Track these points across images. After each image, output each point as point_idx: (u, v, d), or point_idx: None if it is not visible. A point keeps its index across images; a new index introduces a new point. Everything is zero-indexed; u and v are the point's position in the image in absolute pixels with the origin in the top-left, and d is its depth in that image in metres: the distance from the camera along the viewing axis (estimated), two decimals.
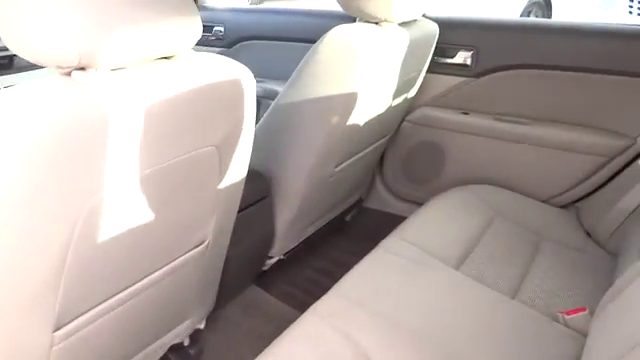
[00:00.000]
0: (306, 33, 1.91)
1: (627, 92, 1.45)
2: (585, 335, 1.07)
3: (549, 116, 1.58)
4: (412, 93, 1.59)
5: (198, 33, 0.80)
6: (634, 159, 1.48)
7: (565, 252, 1.41)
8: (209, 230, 1.02)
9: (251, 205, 1.29)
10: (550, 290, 1.25)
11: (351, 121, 1.31)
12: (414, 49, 1.40)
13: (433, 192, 1.80)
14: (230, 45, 2.15)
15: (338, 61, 1.22)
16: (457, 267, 1.28)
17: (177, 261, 0.99)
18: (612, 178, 1.53)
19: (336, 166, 1.43)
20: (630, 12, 4.54)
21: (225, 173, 0.96)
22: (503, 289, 1.23)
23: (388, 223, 1.88)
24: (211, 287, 1.21)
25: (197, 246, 1.02)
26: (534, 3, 5.25)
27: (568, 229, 1.52)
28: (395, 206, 1.89)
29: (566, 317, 1.15)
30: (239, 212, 1.13)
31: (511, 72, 1.58)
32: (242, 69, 0.88)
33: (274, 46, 2.05)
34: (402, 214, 1.86)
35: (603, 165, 1.54)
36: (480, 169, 1.71)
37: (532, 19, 1.61)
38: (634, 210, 1.37)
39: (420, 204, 1.83)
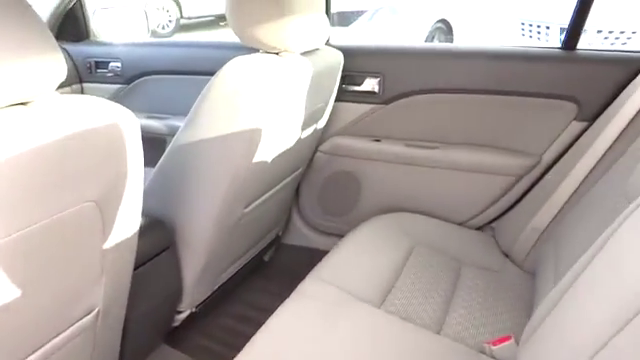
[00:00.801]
0: (209, 66, 1.82)
1: (529, 112, 1.48)
2: None
3: (459, 139, 1.58)
4: (322, 123, 1.54)
5: (61, 74, 0.69)
6: (541, 176, 1.51)
7: (485, 276, 1.39)
8: (98, 297, 0.89)
9: (152, 258, 1.16)
10: (474, 319, 1.22)
11: (258, 158, 1.22)
12: (319, 78, 1.34)
13: (352, 223, 1.75)
14: (129, 81, 2.01)
15: (237, 95, 1.14)
16: (379, 305, 1.21)
17: (63, 335, 0.85)
18: (523, 196, 1.55)
19: (245, 207, 1.33)
20: (522, 34, 4.84)
21: (110, 231, 0.83)
22: (428, 324, 1.19)
23: (309, 259, 1.80)
24: (110, 357, 1.06)
25: (85, 316, 0.89)
26: (437, 28, 5.49)
27: (486, 251, 1.52)
28: (315, 240, 1.82)
29: (492, 348, 1.11)
30: (137, 268, 1.00)
31: (419, 97, 1.57)
32: (121, 112, 0.77)
33: (176, 80, 1.94)
34: (323, 248, 1.79)
35: (513, 184, 1.55)
36: (396, 196, 1.68)
37: (436, 45, 1.62)
38: (545, 229, 1.38)
39: (341, 236, 1.78)
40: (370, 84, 1.61)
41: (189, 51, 1.97)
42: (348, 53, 1.49)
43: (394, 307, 1.22)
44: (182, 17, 7.51)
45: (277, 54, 1.21)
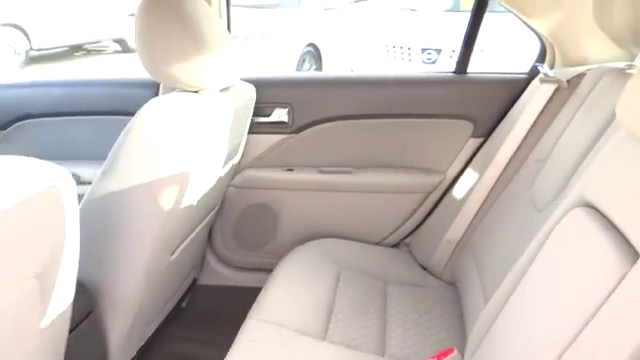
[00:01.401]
0: (97, 104, 1.70)
1: (431, 132, 1.59)
2: None
3: (369, 162, 1.64)
4: (237, 159, 1.50)
5: None
6: (447, 191, 1.61)
7: (409, 291, 1.45)
8: None
9: (73, 328, 1.03)
10: (412, 336, 1.27)
11: (184, 201, 1.16)
12: (237, 114, 1.31)
13: (271, 255, 1.72)
14: (2, 127, 1.79)
15: (158, 138, 1.07)
16: (323, 337, 1.21)
17: None
18: (433, 211, 1.64)
19: (172, 254, 1.25)
20: (387, 56, 5.18)
21: (47, 306, 0.73)
22: (372, 348, 1.21)
23: (228, 298, 1.74)
24: None
25: None
26: (307, 52, 5.66)
27: (405, 267, 1.58)
28: (233, 278, 1.75)
29: None
30: None
31: (328, 124, 1.60)
32: (57, 171, 0.69)
33: (60, 123, 1.77)
34: (242, 284, 1.74)
35: (422, 201, 1.65)
36: (313, 223, 1.69)
37: (342, 74, 1.68)
38: (460, 240, 1.48)
39: (258, 270, 1.74)
40: (279, 114, 1.61)
41: (71, 90, 1.81)
42: (258, 85, 1.48)
43: (337, 337, 1.22)
44: (32, 49, 6.88)
45: (196, 92, 1.16)
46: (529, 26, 1.43)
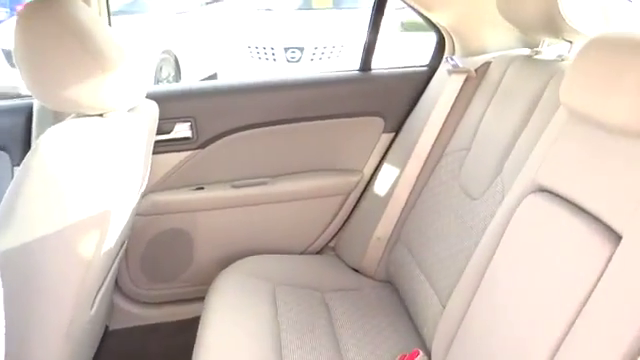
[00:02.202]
0: None
1: (344, 132, 1.56)
2: None
3: (284, 170, 1.56)
4: (144, 185, 1.33)
5: None
6: (367, 188, 1.60)
7: (349, 297, 1.42)
8: None
9: None
10: (367, 344, 1.23)
11: (105, 244, 0.99)
12: (147, 135, 1.15)
13: (188, 284, 1.58)
14: None
15: (65, 173, 0.89)
16: None
17: None
18: (354, 212, 1.62)
19: (92, 307, 1.06)
20: (251, 57, 5.10)
21: None
22: None
23: (147, 339, 1.56)
24: None
25: None
26: (163, 60, 5.37)
27: (337, 272, 1.54)
28: (148, 316, 1.57)
29: None
30: None
31: (237, 135, 1.49)
32: None
33: None
34: (161, 321, 1.57)
35: (343, 202, 1.61)
36: (233, 242, 1.58)
37: (246, 80, 1.56)
38: (391, 236, 1.47)
39: (177, 302, 1.59)
40: (181, 130, 1.46)
41: None
42: (158, 100, 1.32)
43: (294, 358, 1.14)
44: None
45: (101, 116, 0.99)
46: (427, 19, 1.46)
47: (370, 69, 1.57)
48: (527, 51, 1.23)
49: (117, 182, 0.97)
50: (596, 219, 0.78)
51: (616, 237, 0.73)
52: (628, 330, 0.67)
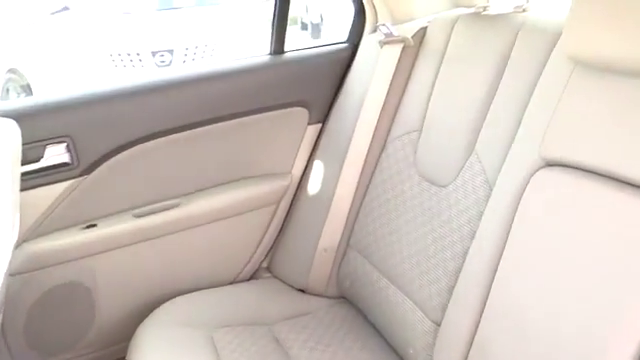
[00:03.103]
0: None
1: (264, 129, 1.30)
2: None
3: (199, 185, 1.27)
4: (13, 235, 0.97)
5: None
6: (299, 193, 1.36)
7: (302, 325, 1.19)
8: None
9: None
10: None
11: None
12: (2, 166, 0.81)
13: (92, 349, 1.24)
14: None
15: None
16: None
17: None
18: (289, 222, 1.37)
19: None
20: (115, 65, 4.59)
21: None
22: None
23: None
24: None
25: None
26: (9, 80, 4.70)
27: (281, 297, 1.30)
28: None
29: None
30: None
31: (131, 151, 1.17)
32: None
33: None
34: None
35: (274, 213, 1.36)
36: (146, 286, 1.26)
37: (136, 81, 1.22)
38: (339, 244, 1.25)
39: None
40: (55, 154, 1.11)
41: None
42: (18, 118, 0.96)
43: None
44: None
45: None
46: None
47: (283, 52, 1.32)
48: (470, 9, 1.07)
49: None
50: (621, 181, 0.62)
51: None
52: None
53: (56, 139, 1.10)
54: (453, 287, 0.89)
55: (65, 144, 1.11)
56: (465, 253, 0.88)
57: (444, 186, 1.00)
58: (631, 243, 0.62)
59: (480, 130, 0.94)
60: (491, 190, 0.86)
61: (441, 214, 0.99)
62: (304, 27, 7.63)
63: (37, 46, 4.97)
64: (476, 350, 0.80)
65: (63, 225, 1.15)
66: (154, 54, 4.58)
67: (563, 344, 0.67)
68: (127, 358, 1.06)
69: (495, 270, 0.79)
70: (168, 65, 4.63)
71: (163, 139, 1.20)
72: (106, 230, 1.18)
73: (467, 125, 0.97)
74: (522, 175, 0.78)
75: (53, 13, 5.63)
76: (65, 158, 1.12)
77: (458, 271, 0.89)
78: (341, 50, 1.34)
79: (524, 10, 0.97)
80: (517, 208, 0.77)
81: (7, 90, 4.78)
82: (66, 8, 5.98)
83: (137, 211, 1.21)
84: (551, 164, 0.75)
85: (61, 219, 1.15)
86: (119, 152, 1.17)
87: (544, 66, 0.81)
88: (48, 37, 5.14)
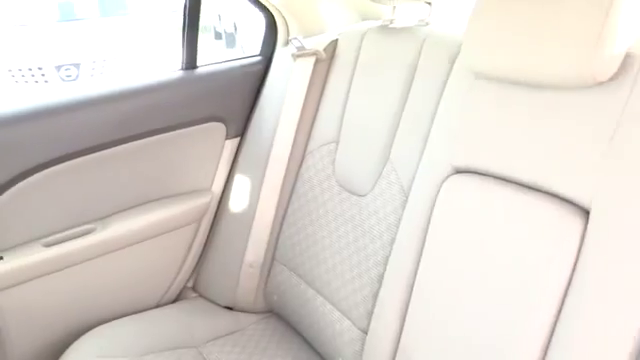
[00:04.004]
0: None
1: (179, 147, 1.27)
2: None
3: (115, 208, 1.22)
4: None
5: None
6: (221, 209, 1.34)
7: (232, 343, 1.18)
8: None
9: None
10: None
11: None
12: None
13: None
14: None
15: None
16: None
17: None
18: (212, 240, 1.35)
19: None
20: (16, 82, 4.30)
21: None
22: None
23: None
24: None
25: None
26: None
27: (208, 317, 1.27)
28: None
29: None
30: None
31: (39, 175, 1.10)
32: None
33: None
34: None
35: (195, 232, 1.33)
36: (66, 317, 1.19)
37: (44, 100, 1.15)
38: (264, 259, 1.25)
39: None
40: None
41: None
42: None
43: None
44: None
45: None
46: (255, 2, 1.25)
47: (196, 66, 1.30)
48: (378, 22, 1.11)
49: None
50: (548, 194, 0.67)
51: (582, 212, 0.63)
52: (625, 311, 0.57)
53: None
54: (377, 294, 0.92)
55: None
56: (386, 260, 0.91)
57: (363, 195, 1.03)
58: (529, 241, 0.67)
59: (393, 140, 0.98)
60: (407, 198, 0.90)
61: (362, 223, 1.02)
62: (218, 36, 7.51)
63: None
64: (401, 356, 0.83)
65: None
66: (58, 68, 4.33)
67: (482, 347, 0.71)
68: None
69: (414, 276, 0.82)
70: (75, 79, 4.40)
71: (73, 161, 1.14)
72: (14, 262, 1.10)
73: (381, 135, 1.01)
74: (434, 182, 0.82)
75: None
76: None
77: (381, 278, 0.92)
78: (254, 64, 1.34)
79: (427, 23, 1.02)
80: (431, 215, 0.81)
81: None
82: None
83: (47, 240, 1.14)
84: (459, 171, 0.79)
85: None
86: (25, 177, 1.09)
87: (448, 77, 0.86)
88: None
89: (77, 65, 4.37)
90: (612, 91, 0.62)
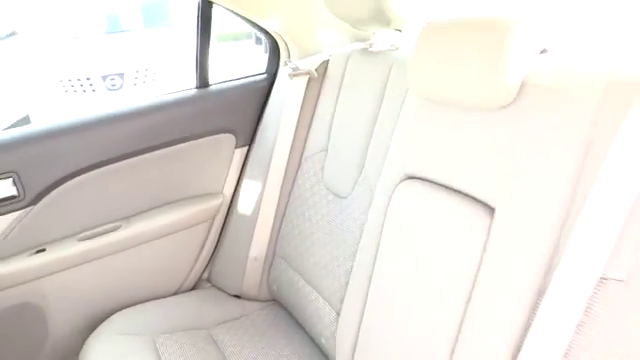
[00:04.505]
0: None
1: (196, 155, 1.46)
2: None
3: (138, 209, 1.42)
4: None
5: None
6: (231, 209, 1.52)
7: (237, 327, 1.35)
8: None
9: None
10: None
11: None
12: None
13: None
14: None
15: None
16: None
17: None
18: (223, 236, 1.53)
19: None
20: (66, 91, 4.64)
21: None
22: None
23: None
24: None
25: None
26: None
27: (219, 304, 1.45)
28: None
29: None
30: None
31: (73, 182, 1.31)
32: None
33: None
34: None
35: (209, 229, 1.52)
36: (95, 302, 1.39)
37: (77, 117, 1.36)
38: (266, 253, 1.42)
39: None
40: (3, 188, 1.24)
41: None
42: None
43: None
44: None
45: None
46: (257, 26, 1.43)
47: (208, 85, 1.48)
48: (361, 45, 1.26)
49: None
50: (468, 196, 0.81)
51: (490, 210, 0.77)
52: (521, 294, 0.70)
53: (2, 174, 1.23)
54: (349, 282, 1.07)
55: (11, 179, 1.25)
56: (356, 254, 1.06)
57: (344, 198, 1.18)
58: (451, 236, 0.81)
59: (367, 151, 1.13)
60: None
61: (342, 222, 1.17)
62: (258, 41, 7.77)
63: None
64: (364, 335, 0.98)
65: (14, 251, 1.28)
66: (104, 78, 4.65)
67: (418, 324, 0.85)
68: None
69: (373, 267, 0.97)
70: (119, 89, 4.70)
71: (103, 169, 1.35)
72: (54, 254, 1.31)
73: (358, 146, 1.16)
74: (390, 187, 0.96)
75: (1, 39, 5.64)
76: (12, 191, 1.25)
77: (352, 269, 1.07)
78: (260, 81, 1.51)
79: (397, 48, 1.16)
80: (385, 215, 0.95)
81: None
82: (14, 33, 5.99)
83: (80, 235, 1.35)
84: (409, 177, 0.93)
85: (12, 246, 1.28)
86: (62, 183, 1.31)
87: (405, 98, 1.00)
88: None
89: (121, 75, 4.67)
90: (513, 113, 0.75)
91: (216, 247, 1.55)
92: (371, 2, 1.08)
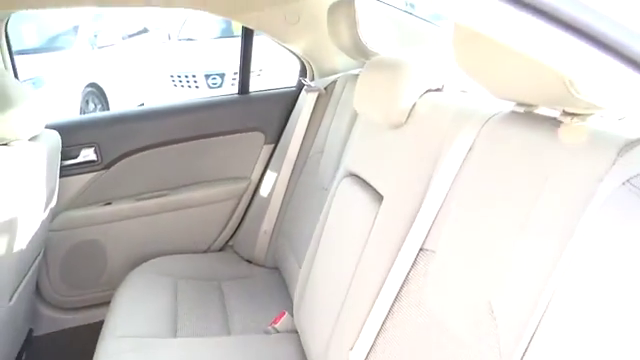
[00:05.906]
0: None
1: (231, 146, 1.85)
2: (295, 331, 1.36)
3: (181, 183, 1.83)
4: (54, 203, 1.57)
5: None
6: (255, 192, 1.90)
7: (242, 282, 1.70)
8: None
9: None
10: (251, 313, 1.51)
11: (14, 246, 1.22)
12: (48, 160, 1.40)
13: (104, 288, 1.81)
14: None
15: None
16: (174, 335, 1.38)
17: None
18: (247, 212, 1.91)
19: (9, 299, 1.29)
20: (174, 85, 5.33)
21: None
22: (218, 332, 1.42)
23: (70, 341, 1.76)
24: None
25: None
26: (89, 93, 5.50)
27: (234, 265, 1.82)
28: (70, 320, 1.78)
29: (275, 326, 1.41)
30: None
31: (136, 156, 1.75)
32: None
33: None
34: (82, 323, 1.79)
35: (236, 206, 1.90)
36: (142, 247, 1.82)
37: (143, 108, 1.82)
38: (274, 229, 1.77)
39: (95, 305, 1.81)
40: (87, 154, 1.71)
41: None
42: (60, 130, 1.56)
43: (186, 331, 1.40)
44: None
45: (6, 145, 1.24)
46: (287, 48, 1.79)
47: (248, 92, 1.87)
48: (355, 71, 1.57)
49: (22, 198, 1.22)
50: (370, 187, 1.10)
51: (380, 197, 1.06)
52: (387, 264, 0.99)
53: (88, 144, 1.70)
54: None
55: (94, 148, 1.71)
56: None
57: (327, 189, 1.50)
58: (357, 220, 1.10)
59: (342, 153, 1.44)
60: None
61: (321, 208, 1.49)
62: None
63: (115, 64, 5.81)
64: (310, 285, 1.29)
65: (89, 202, 1.75)
66: (207, 77, 5.28)
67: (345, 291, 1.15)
68: (116, 293, 1.61)
69: (320, 238, 1.28)
70: (219, 87, 5.31)
71: (160, 148, 1.78)
72: (117, 207, 1.76)
73: (338, 149, 1.47)
74: (338, 180, 1.27)
75: (130, 36, 6.54)
76: (93, 157, 1.72)
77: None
78: (289, 92, 1.88)
79: None
80: (332, 202, 1.27)
81: (87, 101, 5.61)
82: (145, 30, 6.90)
83: (138, 197, 1.79)
84: (350, 174, 1.24)
85: (88, 197, 1.74)
86: (129, 155, 1.76)
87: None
88: (123, 56, 6.00)
89: (222, 75, 5.27)
90: (408, 127, 1.03)
91: (241, 221, 1.92)
92: (349, 36, 1.39)
